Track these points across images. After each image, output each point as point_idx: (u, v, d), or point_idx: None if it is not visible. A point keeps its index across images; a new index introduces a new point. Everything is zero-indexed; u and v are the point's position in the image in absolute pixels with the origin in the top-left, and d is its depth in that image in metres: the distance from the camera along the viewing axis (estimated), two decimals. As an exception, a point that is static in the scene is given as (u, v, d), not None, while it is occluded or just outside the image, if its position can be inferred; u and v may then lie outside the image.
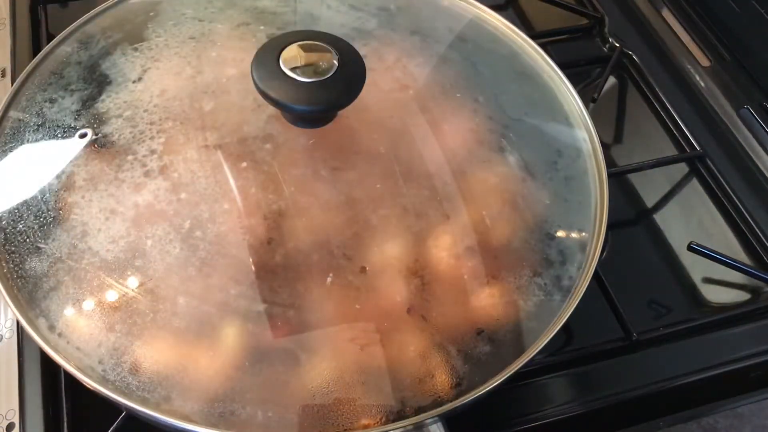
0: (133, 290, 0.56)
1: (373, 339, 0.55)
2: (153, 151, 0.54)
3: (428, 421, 0.48)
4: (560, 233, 0.61)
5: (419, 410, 0.53)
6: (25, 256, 0.54)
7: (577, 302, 0.51)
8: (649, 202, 0.73)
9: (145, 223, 0.53)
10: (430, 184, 0.63)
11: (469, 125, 0.62)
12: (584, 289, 0.52)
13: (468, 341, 0.58)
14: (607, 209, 0.56)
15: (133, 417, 0.49)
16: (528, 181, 0.64)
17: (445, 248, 0.62)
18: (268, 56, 0.50)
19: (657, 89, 0.80)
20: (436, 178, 0.59)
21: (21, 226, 0.55)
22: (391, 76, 0.60)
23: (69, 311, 0.55)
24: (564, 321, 0.51)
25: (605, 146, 0.78)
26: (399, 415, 0.52)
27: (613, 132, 0.79)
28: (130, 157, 0.54)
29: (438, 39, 0.65)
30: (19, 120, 0.58)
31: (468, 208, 0.60)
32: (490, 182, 0.62)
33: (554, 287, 0.58)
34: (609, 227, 0.69)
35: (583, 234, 0.58)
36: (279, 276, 0.57)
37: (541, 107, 0.64)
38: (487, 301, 0.57)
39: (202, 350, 0.51)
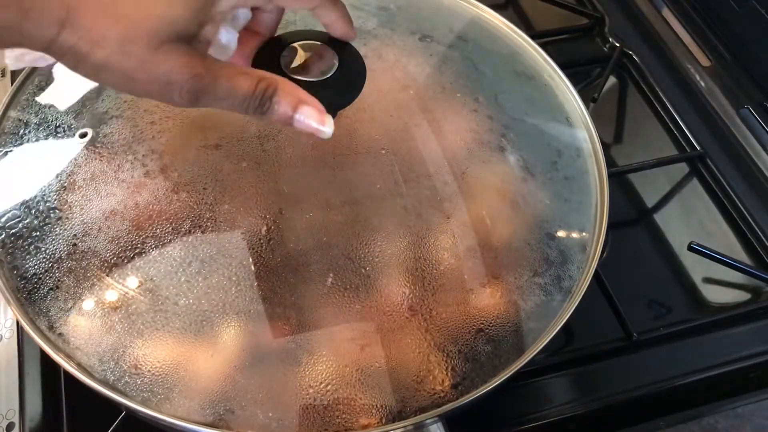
0: (132, 290, 0.56)
1: (373, 339, 0.55)
2: (153, 151, 0.54)
3: (428, 421, 0.48)
4: (560, 233, 0.61)
5: (419, 410, 0.53)
6: (26, 256, 0.54)
7: (577, 302, 0.51)
8: (650, 202, 0.73)
9: (145, 223, 0.53)
10: (431, 184, 0.63)
11: (469, 125, 0.62)
12: (584, 289, 0.52)
13: (468, 341, 0.58)
14: (608, 209, 0.56)
15: (132, 417, 0.49)
16: (528, 181, 0.64)
17: (446, 248, 0.62)
18: (268, 56, 0.50)
19: (657, 89, 0.80)
20: (436, 178, 0.59)
21: (21, 226, 0.55)
22: (392, 76, 0.60)
23: (69, 311, 0.55)
24: (564, 321, 0.51)
25: (605, 146, 0.78)
26: (399, 415, 0.52)
27: (613, 132, 0.79)
28: (130, 157, 0.54)
29: (438, 39, 0.65)
30: (19, 120, 0.58)
31: (468, 208, 0.61)
32: (490, 182, 0.61)
33: (554, 287, 0.58)
34: (609, 227, 0.68)
35: (584, 234, 0.58)
36: (279, 276, 0.57)
37: (542, 107, 0.64)
38: (488, 301, 0.57)
39: (202, 350, 0.51)
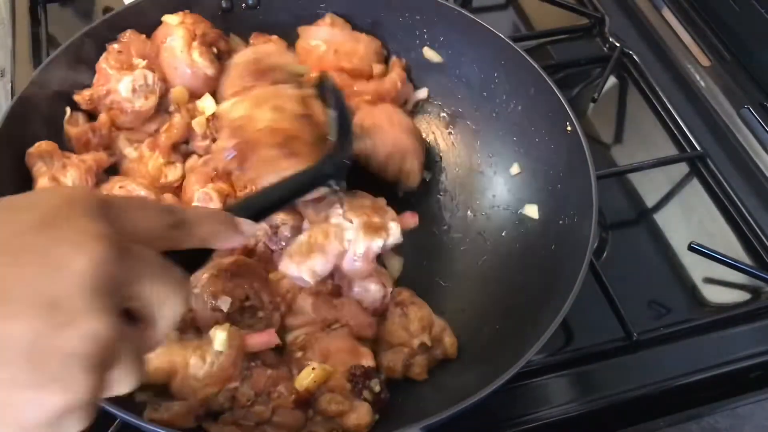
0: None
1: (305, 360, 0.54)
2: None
3: (428, 422, 0.48)
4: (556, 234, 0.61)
5: (419, 410, 0.53)
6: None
7: (572, 303, 0.51)
8: (650, 202, 0.73)
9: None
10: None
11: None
12: (579, 288, 0.51)
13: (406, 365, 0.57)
14: (597, 206, 0.55)
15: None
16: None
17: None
18: None
19: (657, 89, 0.80)
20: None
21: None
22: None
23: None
24: (560, 321, 0.50)
25: (605, 146, 0.78)
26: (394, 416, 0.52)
27: (613, 132, 0.79)
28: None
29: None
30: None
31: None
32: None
33: (549, 287, 0.57)
34: (609, 227, 0.69)
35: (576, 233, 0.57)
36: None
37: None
38: (428, 323, 0.56)
39: (192, 353, 0.50)
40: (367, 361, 0.53)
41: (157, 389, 0.50)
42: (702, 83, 0.81)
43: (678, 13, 0.87)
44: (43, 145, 0.58)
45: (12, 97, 0.72)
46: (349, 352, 0.53)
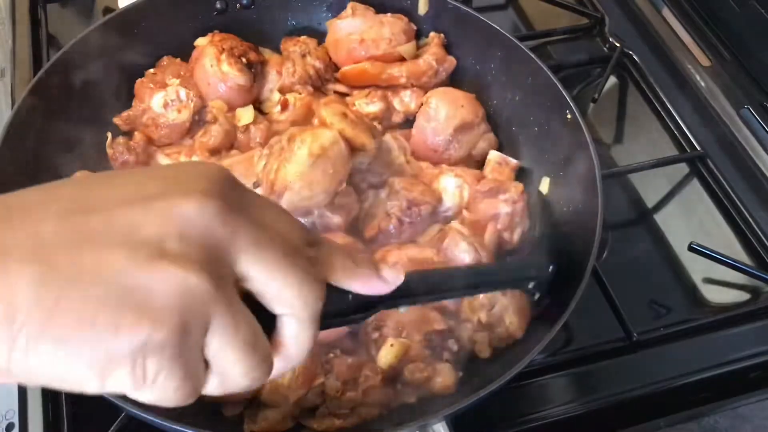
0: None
1: (383, 338, 0.55)
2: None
3: (432, 420, 0.48)
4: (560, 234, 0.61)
5: (423, 411, 0.53)
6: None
7: (575, 303, 0.51)
8: (650, 202, 0.73)
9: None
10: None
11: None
12: (582, 289, 0.51)
13: (471, 341, 0.58)
14: (603, 209, 0.56)
15: (133, 417, 0.49)
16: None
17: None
18: None
19: (657, 89, 0.80)
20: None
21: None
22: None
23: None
24: (563, 321, 0.50)
25: (605, 146, 0.78)
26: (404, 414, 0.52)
27: (613, 132, 0.79)
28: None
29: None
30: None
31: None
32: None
33: (553, 287, 0.57)
34: (609, 227, 0.69)
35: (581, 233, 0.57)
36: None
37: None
38: (489, 301, 0.56)
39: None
40: (439, 325, 0.54)
41: (246, 402, 0.51)
42: (702, 83, 0.81)
43: (678, 13, 0.87)
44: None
45: (12, 97, 0.72)
46: (421, 321, 0.54)
